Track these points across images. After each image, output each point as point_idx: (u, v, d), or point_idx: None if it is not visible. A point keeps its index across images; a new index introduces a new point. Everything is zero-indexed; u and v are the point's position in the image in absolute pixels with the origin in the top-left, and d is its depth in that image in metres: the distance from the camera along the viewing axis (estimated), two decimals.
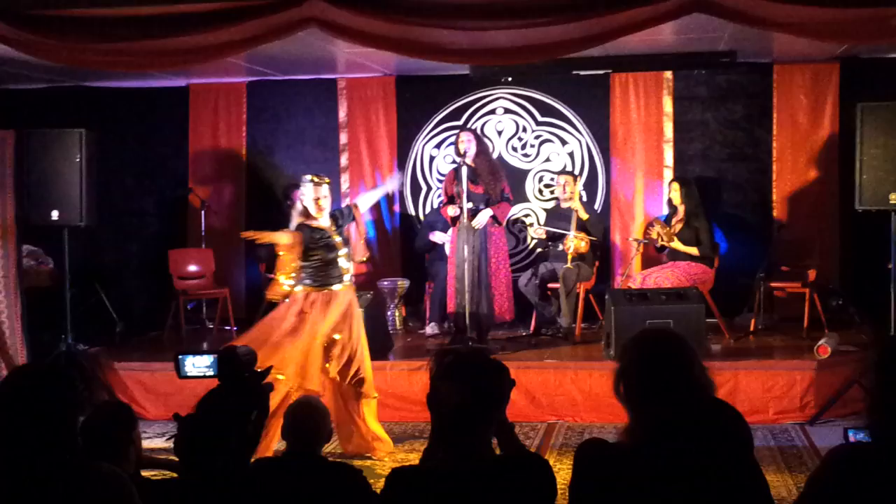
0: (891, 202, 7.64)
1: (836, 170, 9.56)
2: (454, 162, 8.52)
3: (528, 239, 9.97)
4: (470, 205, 8.32)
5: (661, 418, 2.74)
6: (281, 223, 9.35)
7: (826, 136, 9.69)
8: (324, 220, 6.76)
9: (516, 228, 10.33)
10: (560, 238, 9.10)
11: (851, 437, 2.97)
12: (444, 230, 9.18)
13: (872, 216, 7.92)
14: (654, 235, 8.97)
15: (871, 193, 7.72)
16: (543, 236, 9.34)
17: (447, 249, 8.91)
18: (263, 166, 10.73)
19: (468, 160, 8.33)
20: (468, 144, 8.42)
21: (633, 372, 2.89)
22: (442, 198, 9.02)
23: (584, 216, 9.08)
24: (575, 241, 8.90)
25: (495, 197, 8.54)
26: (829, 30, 6.77)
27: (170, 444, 5.29)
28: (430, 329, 9.40)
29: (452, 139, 9.03)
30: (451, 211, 8.52)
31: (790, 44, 8.43)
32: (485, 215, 8.43)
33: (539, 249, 9.60)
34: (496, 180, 8.59)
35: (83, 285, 9.41)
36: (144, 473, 4.02)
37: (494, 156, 10.01)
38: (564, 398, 7.71)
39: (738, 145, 10.05)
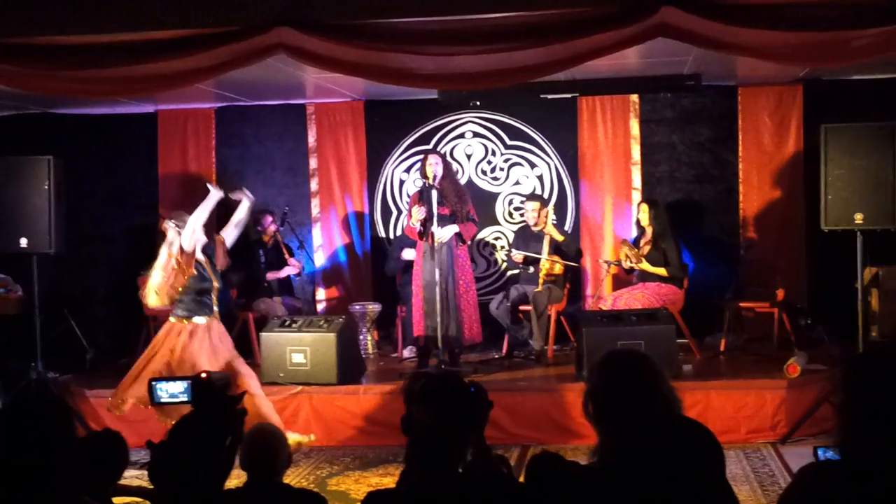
0: (856, 222, 7.73)
1: (802, 190, 9.66)
2: (425, 185, 8.53)
3: (500, 261, 9.96)
4: (438, 229, 8.33)
5: (630, 437, 2.76)
6: (249, 249, 9.36)
7: (791, 157, 9.81)
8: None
9: (487, 251, 10.38)
10: (536, 262, 9.13)
11: (821, 455, 2.99)
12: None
13: (838, 235, 8.00)
14: (623, 258, 9.03)
15: (837, 213, 7.81)
16: (521, 260, 9.34)
17: (413, 271, 8.90)
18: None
19: (435, 183, 8.36)
20: (436, 167, 8.43)
21: (600, 392, 2.92)
22: (406, 220, 9.03)
23: (560, 237, 9.13)
24: (548, 264, 8.95)
25: (462, 218, 8.54)
26: (792, 53, 6.85)
27: (141, 472, 5.25)
28: (408, 352, 9.39)
29: (419, 162, 9.05)
30: (417, 214, 8.40)
31: (754, 67, 8.53)
32: (450, 230, 8.41)
33: (510, 272, 9.61)
34: (462, 202, 8.60)
35: (52, 312, 9.32)
36: (116, 501, 4.00)
37: (464, 179, 10.10)
38: (538, 421, 7.72)
39: (704, 167, 10.14)
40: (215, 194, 7.08)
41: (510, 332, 9.17)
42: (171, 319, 7.02)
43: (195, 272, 6.88)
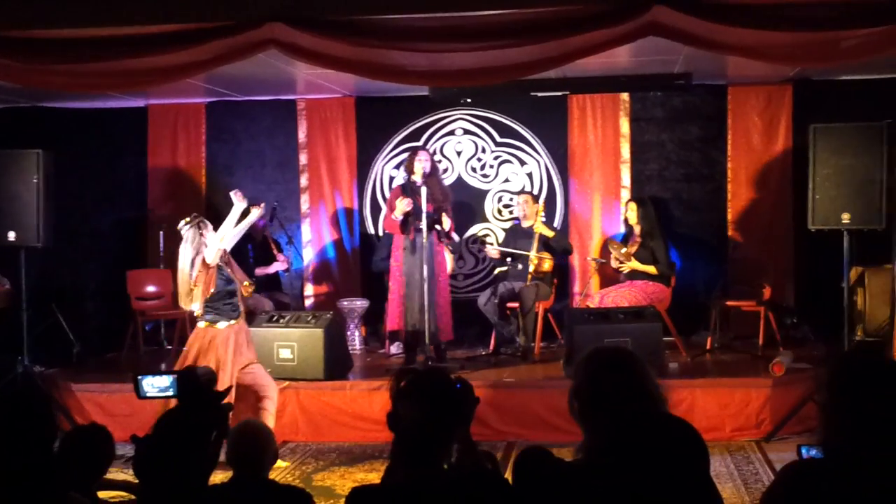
0: (843, 221, 7.76)
1: (790, 190, 9.69)
2: (411, 181, 8.55)
3: (494, 250, 9.98)
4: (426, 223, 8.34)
5: (614, 434, 2.77)
6: (237, 244, 9.35)
7: (779, 157, 9.83)
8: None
9: (475, 248, 10.39)
10: (521, 258, 9.14)
11: (804, 453, 3.00)
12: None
13: (825, 235, 8.03)
14: (613, 258, 9.06)
15: (824, 213, 7.84)
16: (497, 256, 9.38)
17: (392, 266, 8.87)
18: (223, 187, 10.68)
19: (423, 179, 8.36)
20: (426, 164, 8.47)
21: (586, 389, 2.91)
22: (386, 212, 9.06)
23: (550, 234, 9.17)
24: (536, 260, 8.97)
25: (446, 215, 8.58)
26: (782, 53, 6.87)
27: (127, 467, 5.25)
28: (395, 348, 9.40)
29: (406, 157, 9.03)
30: (403, 206, 8.37)
31: (744, 66, 8.55)
32: (447, 222, 8.47)
33: (498, 270, 9.61)
34: (446, 201, 8.64)
35: (40, 306, 9.29)
36: (102, 495, 4.00)
37: (454, 176, 10.14)
38: (523, 417, 7.73)
39: (693, 166, 10.17)
40: (240, 206, 6.88)
41: (497, 329, 9.18)
42: (200, 325, 6.87)
43: (221, 276, 6.80)
